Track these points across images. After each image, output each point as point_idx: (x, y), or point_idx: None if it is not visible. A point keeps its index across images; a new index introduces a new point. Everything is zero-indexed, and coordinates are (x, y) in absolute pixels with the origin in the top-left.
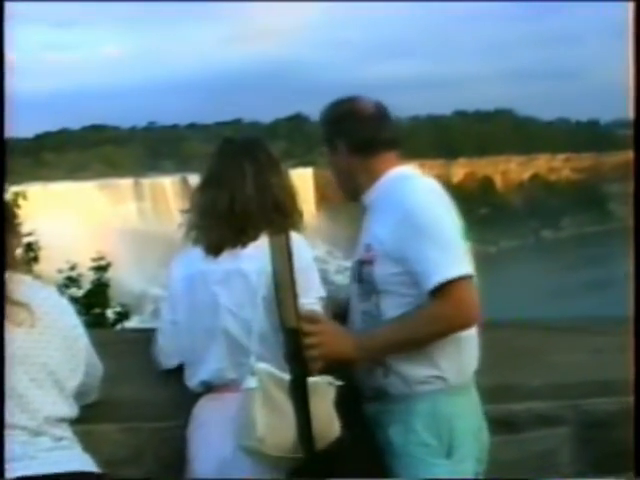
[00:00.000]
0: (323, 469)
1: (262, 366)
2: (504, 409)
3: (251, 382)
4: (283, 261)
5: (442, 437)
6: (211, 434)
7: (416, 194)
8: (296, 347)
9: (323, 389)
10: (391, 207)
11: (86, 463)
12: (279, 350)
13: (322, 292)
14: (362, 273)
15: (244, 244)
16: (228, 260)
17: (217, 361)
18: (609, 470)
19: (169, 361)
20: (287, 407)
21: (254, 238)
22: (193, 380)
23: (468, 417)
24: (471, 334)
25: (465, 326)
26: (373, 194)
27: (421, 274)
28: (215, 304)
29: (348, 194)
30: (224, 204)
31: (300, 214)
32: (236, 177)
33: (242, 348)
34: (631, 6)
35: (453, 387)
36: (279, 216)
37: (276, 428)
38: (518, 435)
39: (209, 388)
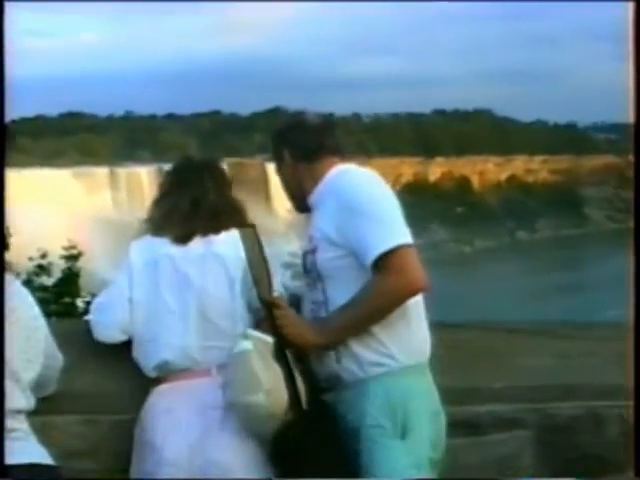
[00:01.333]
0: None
1: (253, 331)
2: (467, 411)
3: (245, 345)
4: (253, 245)
5: (396, 418)
6: (180, 420)
7: (350, 181)
8: (273, 317)
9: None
10: (328, 197)
11: (40, 455)
12: (251, 323)
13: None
14: (306, 263)
15: (216, 232)
16: (201, 245)
17: (182, 340)
18: (569, 474)
19: (117, 335)
20: (276, 368)
21: (203, 232)
22: (152, 360)
23: (422, 399)
24: (420, 314)
25: (410, 295)
26: (315, 195)
27: (361, 251)
28: (186, 285)
29: (297, 203)
30: (179, 204)
31: (245, 216)
32: (176, 193)
33: (210, 329)
34: (631, 6)
35: (406, 368)
36: (234, 215)
37: (276, 382)
38: (480, 437)
39: (166, 371)
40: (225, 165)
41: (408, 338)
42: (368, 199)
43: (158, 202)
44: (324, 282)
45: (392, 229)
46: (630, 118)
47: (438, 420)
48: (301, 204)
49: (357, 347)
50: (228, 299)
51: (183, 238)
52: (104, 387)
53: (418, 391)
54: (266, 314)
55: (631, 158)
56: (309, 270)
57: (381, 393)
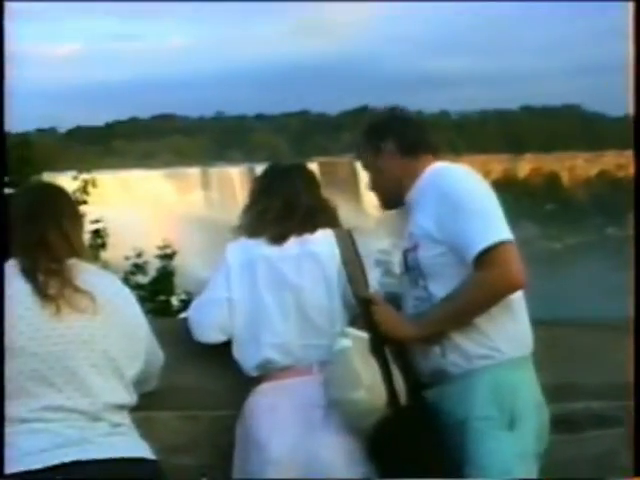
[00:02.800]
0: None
1: (351, 329)
2: (563, 407)
3: (344, 342)
4: (348, 244)
5: (504, 409)
6: (283, 418)
7: (450, 177)
8: (370, 314)
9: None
10: (428, 194)
11: (142, 449)
12: (347, 322)
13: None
14: (408, 261)
15: (310, 232)
16: (296, 245)
17: (282, 338)
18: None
19: (217, 336)
20: (374, 364)
21: (312, 230)
22: (253, 360)
23: (529, 390)
24: (523, 307)
25: (511, 290)
26: (413, 192)
27: (463, 247)
28: (283, 284)
29: (388, 198)
30: (279, 207)
31: (336, 217)
32: (267, 198)
33: (309, 327)
34: (631, 6)
35: (512, 360)
36: (326, 214)
37: (375, 378)
38: (576, 434)
39: (268, 370)
40: (314, 164)
41: (513, 330)
42: (469, 195)
43: (250, 206)
44: (426, 279)
45: (493, 224)
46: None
47: (543, 413)
48: (393, 199)
49: (463, 341)
50: (325, 297)
51: (278, 239)
52: (203, 384)
53: (524, 383)
54: (362, 311)
55: None
56: (411, 267)
57: (489, 384)
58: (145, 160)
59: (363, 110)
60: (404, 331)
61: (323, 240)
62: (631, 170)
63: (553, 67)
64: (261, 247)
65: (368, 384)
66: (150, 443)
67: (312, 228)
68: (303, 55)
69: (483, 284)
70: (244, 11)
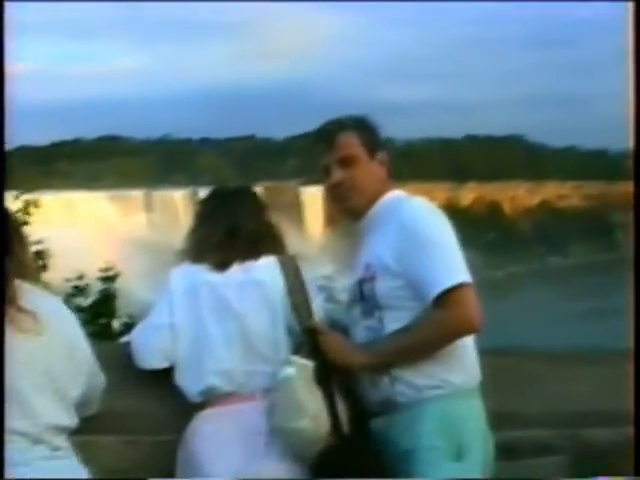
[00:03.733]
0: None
1: (296, 357)
2: (504, 435)
3: (289, 371)
4: (292, 271)
5: (452, 439)
6: (225, 445)
7: (411, 210)
8: (316, 342)
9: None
10: (389, 225)
11: (81, 474)
12: (288, 353)
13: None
14: (363, 291)
15: (254, 258)
16: (240, 271)
17: (225, 365)
18: None
19: (158, 363)
20: (319, 393)
21: (246, 259)
22: (196, 386)
23: (476, 420)
24: (471, 337)
25: (468, 332)
26: (371, 215)
27: (422, 284)
28: (227, 311)
29: (359, 207)
30: (223, 233)
31: (282, 243)
32: (209, 223)
33: (253, 354)
34: (631, 6)
35: (461, 390)
36: (271, 241)
37: (320, 408)
38: (516, 462)
39: (211, 396)
40: (259, 189)
41: (463, 362)
42: (430, 231)
43: (193, 231)
44: (382, 310)
45: (454, 265)
46: (630, 121)
47: (489, 442)
48: (361, 211)
49: (412, 372)
50: (269, 325)
51: (221, 265)
52: (144, 408)
53: (472, 413)
54: (307, 340)
55: None
56: (366, 297)
57: (437, 415)
58: (89, 181)
59: (309, 136)
60: (353, 359)
61: (267, 267)
62: (572, 201)
63: (499, 98)
64: (204, 273)
65: (312, 413)
66: (91, 467)
67: (256, 254)
68: (250, 79)
69: (441, 324)
70: (192, 34)
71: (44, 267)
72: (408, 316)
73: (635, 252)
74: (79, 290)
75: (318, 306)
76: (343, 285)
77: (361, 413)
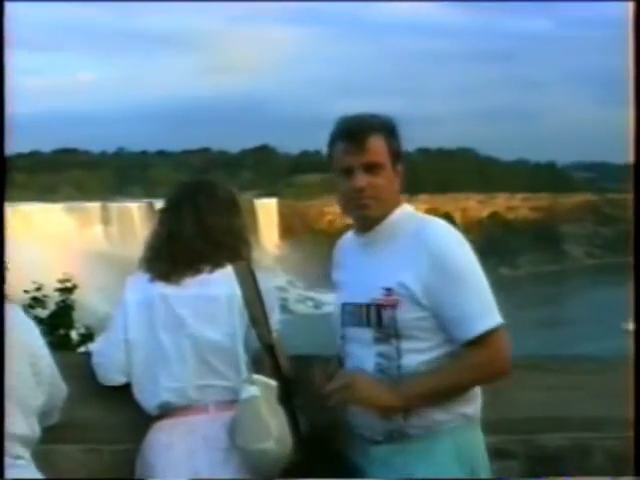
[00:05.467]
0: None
1: (258, 376)
2: None
3: (252, 390)
4: (249, 285)
5: (466, 467)
6: (179, 458)
7: (440, 238)
8: (275, 359)
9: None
10: (407, 245)
11: None
12: (246, 368)
13: (278, 316)
14: (382, 317)
15: (209, 272)
16: (194, 285)
17: (178, 381)
18: None
19: (116, 378)
20: (281, 411)
21: (208, 267)
22: (151, 401)
23: (482, 444)
24: None
25: (501, 375)
26: (382, 230)
27: (458, 321)
28: (179, 326)
29: (375, 215)
30: (165, 243)
31: (248, 249)
32: (174, 219)
33: (206, 369)
34: (631, 6)
35: (473, 421)
36: (220, 252)
37: (283, 429)
38: None
39: (165, 410)
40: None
41: (475, 392)
42: (464, 266)
43: (148, 239)
44: (400, 339)
45: (490, 304)
46: (630, 121)
47: (490, 469)
48: (376, 219)
49: (430, 408)
50: (224, 340)
51: (174, 278)
52: (105, 417)
53: (480, 439)
54: (267, 357)
55: (610, 196)
56: (384, 324)
57: (452, 446)
58: (46, 194)
59: (263, 149)
60: (382, 400)
61: (222, 280)
62: (521, 212)
63: (451, 112)
64: (158, 285)
65: (276, 435)
66: (52, 476)
67: (211, 264)
68: (205, 93)
69: (479, 366)
70: (148, 48)
71: (2, 278)
72: (427, 347)
73: (635, 255)
74: (37, 301)
75: (276, 320)
76: (298, 295)
77: (323, 433)
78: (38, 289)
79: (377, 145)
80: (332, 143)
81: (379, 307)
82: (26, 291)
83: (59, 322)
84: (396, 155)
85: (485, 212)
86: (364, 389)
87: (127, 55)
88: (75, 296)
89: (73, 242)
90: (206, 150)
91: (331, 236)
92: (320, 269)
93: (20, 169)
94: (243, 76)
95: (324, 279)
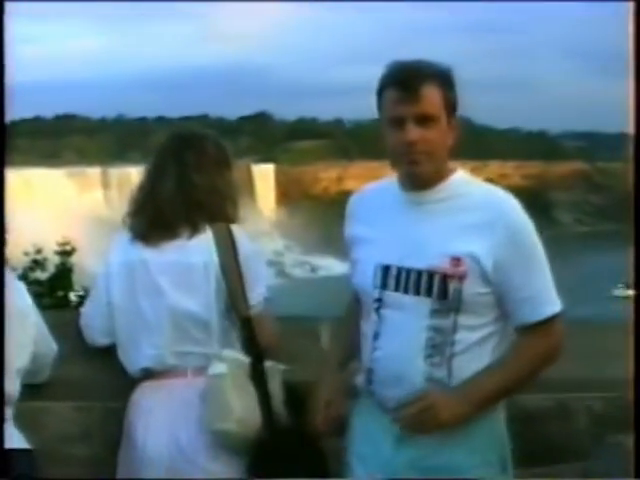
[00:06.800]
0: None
1: (229, 352)
2: None
3: (219, 368)
4: (228, 253)
5: (499, 453)
6: (159, 421)
7: (519, 214)
8: (250, 334)
9: (274, 372)
10: (488, 221)
11: (18, 441)
12: (227, 338)
13: (267, 281)
14: (447, 288)
15: (187, 237)
16: (172, 251)
17: (157, 347)
18: (537, 462)
19: (101, 340)
20: (251, 389)
21: (187, 231)
22: (133, 366)
23: (504, 429)
24: None
25: (555, 362)
26: (443, 191)
27: (526, 302)
28: (157, 293)
29: (431, 175)
30: (146, 198)
31: (234, 212)
32: (159, 172)
33: (184, 337)
34: (631, 6)
35: (502, 406)
36: (202, 213)
37: (247, 409)
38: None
39: (147, 375)
40: None
41: None
42: (538, 245)
43: (135, 189)
44: (459, 313)
45: (554, 288)
46: (630, 119)
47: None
48: (429, 179)
49: None
50: (200, 310)
51: (152, 241)
52: (97, 375)
53: (504, 424)
54: (241, 329)
55: (600, 165)
56: (447, 296)
57: (488, 431)
58: (47, 159)
59: (260, 116)
60: (465, 416)
61: (201, 246)
62: (513, 180)
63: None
64: (138, 248)
65: (238, 416)
66: (43, 433)
67: (191, 227)
68: (204, 60)
69: (546, 352)
70: (146, 15)
71: (4, 241)
72: (481, 323)
73: (635, 222)
74: (37, 264)
75: (263, 286)
76: (294, 260)
77: (298, 406)
78: (38, 252)
79: (432, 95)
80: (381, 90)
81: (445, 277)
82: (26, 254)
83: (58, 284)
84: (452, 108)
85: (479, 179)
86: (446, 409)
87: (127, 23)
88: (74, 259)
89: (73, 206)
90: (205, 117)
91: (326, 202)
92: (316, 234)
93: (22, 134)
94: (242, 44)
95: (320, 244)
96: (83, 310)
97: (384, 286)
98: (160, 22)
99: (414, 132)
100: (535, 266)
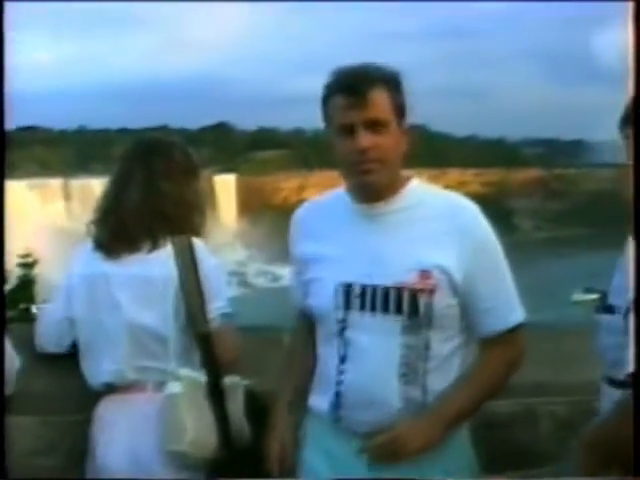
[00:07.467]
0: (239, 469)
1: (185, 371)
2: None
3: (175, 387)
4: (188, 267)
5: (469, 467)
6: (120, 435)
7: (481, 221)
8: (208, 351)
9: (233, 391)
10: (454, 231)
11: None
12: (185, 354)
13: (229, 294)
14: (417, 303)
15: (147, 250)
16: (132, 264)
17: (116, 362)
18: (504, 467)
19: (51, 347)
20: (207, 409)
21: (148, 243)
22: (94, 380)
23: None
24: None
25: (518, 369)
26: (400, 202)
27: (491, 311)
28: (116, 307)
29: (385, 184)
30: (110, 207)
31: (201, 223)
32: (124, 181)
33: (143, 352)
34: (631, 6)
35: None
36: (167, 224)
37: (202, 430)
38: None
39: (109, 389)
40: None
41: None
42: (501, 254)
43: (100, 197)
44: (430, 330)
45: (517, 296)
46: (626, 98)
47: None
48: (384, 188)
49: None
50: (158, 326)
51: (115, 252)
52: (60, 389)
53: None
54: (199, 346)
55: (557, 171)
56: (419, 313)
57: (457, 446)
58: (8, 170)
59: (221, 126)
60: (436, 439)
61: (160, 260)
62: (473, 187)
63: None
64: (100, 261)
65: (193, 438)
66: (7, 448)
67: (154, 238)
68: (165, 71)
69: (507, 363)
70: (107, 26)
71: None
72: (449, 336)
73: (635, 228)
74: None
75: (224, 300)
76: (256, 270)
77: (261, 418)
78: None
79: (381, 99)
80: (327, 97)
81: (414, 292)
82: None
83: (20, 296)
84: (402, 112)
85: (437, 186)
86: (416, 438)
87: (87, 35)
88: (36, 271)
89: (35, 218)
90: (166, 127)
91: (288, 211)
92: (278, 243)
93: None
94: (202, 54)
95: (283, 253)
96: (40, 317)
97: (347, 306)
98: (120, 33)
99: (365, 138)
100: (500, 275)
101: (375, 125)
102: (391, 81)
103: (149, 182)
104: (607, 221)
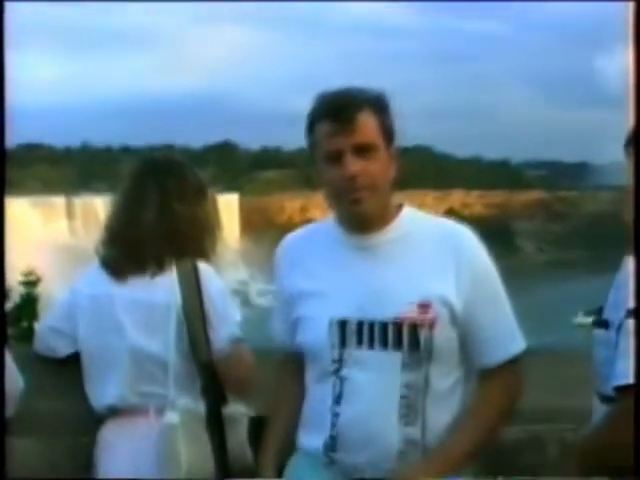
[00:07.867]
0: None
1: (182, 401)
2: None
3: (172, 417)
4: (191, 293)
5: None
6: (121, 458)
7: (478, 249)
8: (209, 380)
9: (236, 420)
10: (451, 261)
11: None
12: (187, 381)
13: (237, 317)
14: (418, 337)
15: (154, 273)
16: (138, 287)
17: (119, 386)
18: None
19: (51, 354)
20: (205, 438)
21: (156, 266)
22: (98, 402)
23: None
24: None
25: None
26: (393, 232)
27: (491, 340)
28: (120, 329)
29: (375, 212)
30: (120, 227)
31: (212, 244)
32: (136, 201)
33: (145, 377)
34: (631, 6)
35: None
36: (179, 246)
37: (199, 460)
38: None
39: (112, 412)
40: None
41: None
42: (499, 282)
43: (111, 218)
44: (430, 364)
45: (516, 324)
46: (630, 120)
47: None
48: (374, 216)
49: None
50: (161, 350)
51: (124, 274)
52: (64, 409)
53: None
54: (200, 376)
55: (560, 194)
56: (419, 347)
57: None
58: (11, 188)
59: (225, 145)
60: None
61: (165, 284)
62: (476, 209)
63: (406, 110)
64: (106, 282)
65: (187, 469)
66: (10, 468)
67: (162, 261)
68: (169, 89)
69: (511, 392)
70: (112, 43)
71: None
72: (448, 371)
73: (635, 257)
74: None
75: (231, 323)
76: (259, 289)
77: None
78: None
79: (369, 123)
80: (312, 124)
81: (415, 326)
82: None
83: (22, 315)
84: (390, 135)
85: (441, 209)
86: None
87: (90, 52)
88: (39, 289)
89: (38, 236)
90: (169, 146)
91: (290, 231)
92: None
93: None
94: (206, 73)
95: None
96: (41, 324)
97: (343, 343)
98: (124, 52)
99: (354, 165)
100: (499, 303)
101: (363, 150)
102: (377, 104)
103: (163, 203)
104: (610, 244)
